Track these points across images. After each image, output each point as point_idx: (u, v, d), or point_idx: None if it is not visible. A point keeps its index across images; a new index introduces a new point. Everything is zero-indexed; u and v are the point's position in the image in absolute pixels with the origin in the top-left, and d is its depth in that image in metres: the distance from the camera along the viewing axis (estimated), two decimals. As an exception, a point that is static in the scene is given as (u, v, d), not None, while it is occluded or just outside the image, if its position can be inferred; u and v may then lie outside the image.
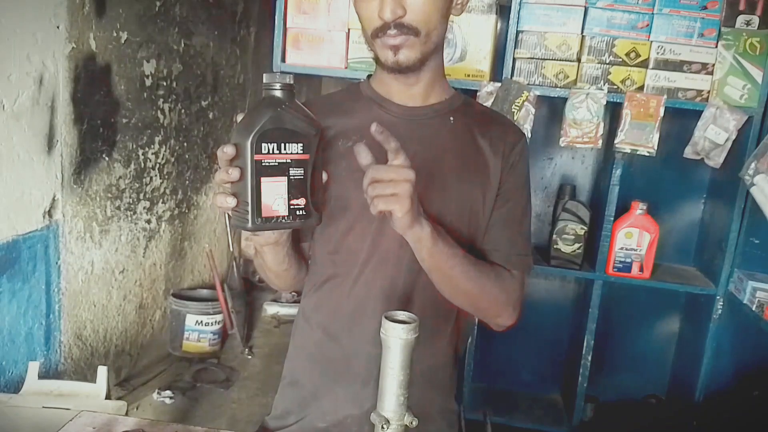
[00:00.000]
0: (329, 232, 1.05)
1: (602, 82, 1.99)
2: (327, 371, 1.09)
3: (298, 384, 1.13)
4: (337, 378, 1.08)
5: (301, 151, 0.79)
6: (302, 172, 0.79)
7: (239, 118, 0.83)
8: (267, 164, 0.78)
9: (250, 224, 0.79)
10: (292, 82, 0.81)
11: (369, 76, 1.11)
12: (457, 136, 1.05)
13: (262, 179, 0.78)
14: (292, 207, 0.80)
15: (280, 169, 0.79)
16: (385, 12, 0.93)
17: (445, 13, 0.99)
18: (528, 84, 2.01)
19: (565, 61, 2.00)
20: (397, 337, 0.79)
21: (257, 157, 0.77)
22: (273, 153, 0.78)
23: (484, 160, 1.05)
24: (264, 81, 0.80)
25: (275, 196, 0.79)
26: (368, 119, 1.04)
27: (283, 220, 0.81)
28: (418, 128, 1.04)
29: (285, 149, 0.78)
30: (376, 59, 1.02)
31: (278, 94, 0.79)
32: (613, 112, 2.11)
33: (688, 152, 2.03)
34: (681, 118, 2.11)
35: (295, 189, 0.79)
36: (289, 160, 0.79)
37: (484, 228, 1.07)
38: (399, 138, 1.02)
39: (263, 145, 0.77)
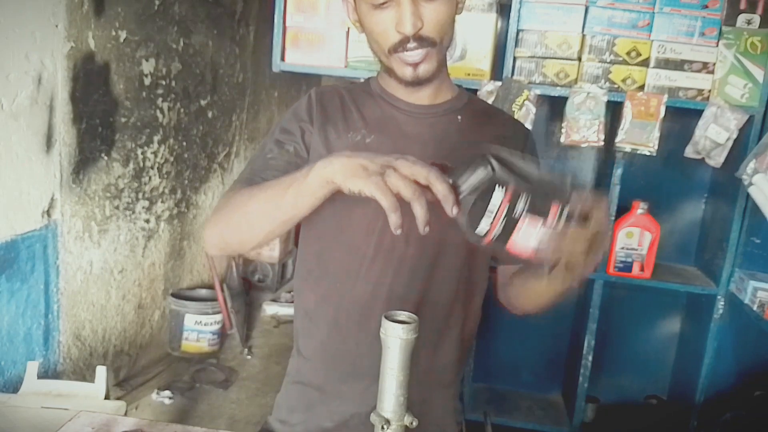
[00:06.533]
0: (336, 228, 1.04)
1: (603, 81, 1.99)
2: (333, 370, 1.08)
3: (304, 383, 1.12)
4: (343, 377, 1.07)
5: (506, 189, 0.74)
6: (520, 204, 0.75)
7: None
8: (498, 232, 0.75)
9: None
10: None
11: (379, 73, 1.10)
12: (466, 135, 1.06)
13: (510, 240, 0.75)
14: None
15: (512, 221, 0.75)
16: (405, 26, 0.91)
17: (454, 17, 0.98)
18: (528, 83, 2.00)
19: (566, 59, 2.00)
20: (396, 337, 0.78)
21: (485, 240, 0.76)
22: (493, 223, 0.75)
23: None
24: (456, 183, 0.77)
25: (530, 237, 0.75)
26: (378, 116, 1.05)
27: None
28: (428, 126, 1.04)
29: (496, 207, 0.74)
30: (388, 70, 1.00)
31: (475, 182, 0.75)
32: (613, 111, 2.10)
33: (689, 151, 2.03)
34: (682, 118, 2.11)
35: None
36: (507, 206, 0.74)
37: None
38: (409, 136, 1.03)
39: (480, 228, 0.75)
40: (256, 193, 0.91)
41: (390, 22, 0.93)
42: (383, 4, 0.93)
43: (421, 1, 0.92)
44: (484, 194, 0.73)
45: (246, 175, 1.03)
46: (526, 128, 1.15)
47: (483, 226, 0.74)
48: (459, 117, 1.06)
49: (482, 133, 1.07)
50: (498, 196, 0.73)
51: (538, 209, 0.73)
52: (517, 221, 0.73)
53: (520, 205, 0.73)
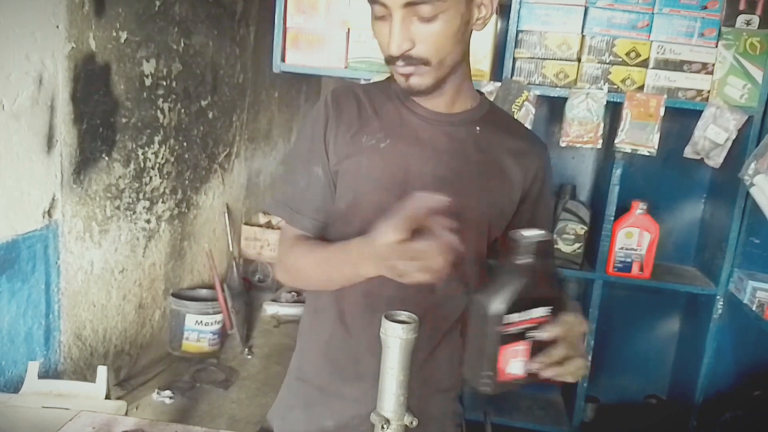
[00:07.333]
0: (344, 231, 1.03)
1: (602, 81, 1.99)
2: (335, 369, 1.08)
3: (306, 380, 1.12)
4: (345, 377, 1.07)
5: (549, 313, 0.74)
6: (544, 334, 0.74)
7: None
8: (508, 332, 0.73)
9: (488, 389, 0.76)
10: (549, 239, 0.73)
11: None
12: (482, 147, 1.04)
13: (502, 348, 0.74)
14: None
15: (521, 335, 0.74)
16: (391, 46, 0.90)
17: (460, 36, 0.95)
18: (528, 83, 2.00)
19: (565, 60, 2.00)
20: (396, 337, 0.78)
21: (501, 328, 0.72)
22: (517, 322, 0.72)
23: (507, 173, 1.04)
24: (521, 241, 0.72)
25: (512, 361, 0.74)
26: (395, 119, 1.03)
27: (521, 381, 0.77)
28: (444, 135, 1.02)
29: (531, 315, 0.73)
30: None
31: (532, 259, 0.72)
32: (613, 111, 2.11)
33: (688, 152, 2.03)
34: (681, 118, 2.11)
35: (535, 351, 0.75)
36: (533, 324, 0.74)
37: (494, 239, 1.08)
38: (424, 143, 1.01)
39: (508, 316, 0.72)
40: (311, 255, 1.01)
41: (387, 34, 0.92)
42: (382, 17, 0.92)
43: (416, 21, 0.89)
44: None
45: (286, 214, 1.05)
46: (544, 144, 1.11)
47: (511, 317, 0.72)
48: (477, 128, 1.04)
49: (499, 146, 1.05)
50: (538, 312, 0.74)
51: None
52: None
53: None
